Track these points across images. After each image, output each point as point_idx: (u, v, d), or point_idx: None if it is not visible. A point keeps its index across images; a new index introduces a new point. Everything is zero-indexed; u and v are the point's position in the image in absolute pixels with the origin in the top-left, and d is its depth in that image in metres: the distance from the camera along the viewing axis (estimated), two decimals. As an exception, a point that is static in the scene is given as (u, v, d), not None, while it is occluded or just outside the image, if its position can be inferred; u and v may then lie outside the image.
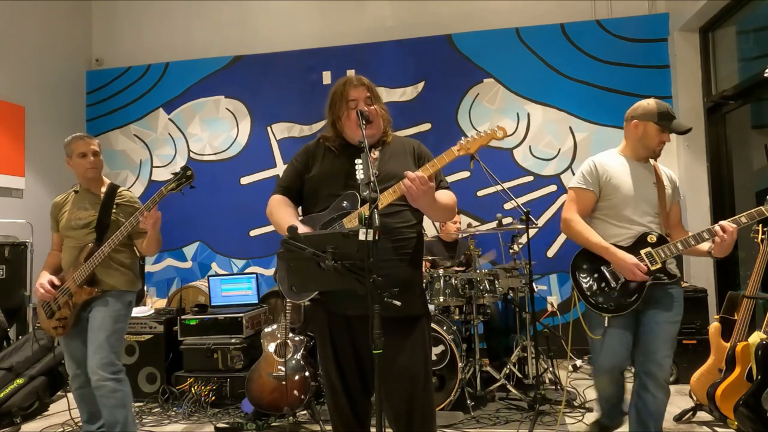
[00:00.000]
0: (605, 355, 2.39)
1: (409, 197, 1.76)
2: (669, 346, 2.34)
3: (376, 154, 1.94)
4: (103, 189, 2.74)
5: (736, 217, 2.23)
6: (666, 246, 2.30)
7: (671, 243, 2.30)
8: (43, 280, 2.67)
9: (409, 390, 1.85)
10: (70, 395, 3.97)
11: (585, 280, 2.40)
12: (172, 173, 2.49)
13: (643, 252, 2.31)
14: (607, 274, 2.37)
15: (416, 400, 1.86)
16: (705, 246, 2.31)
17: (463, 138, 1.88)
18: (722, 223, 2.20)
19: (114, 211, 2.69)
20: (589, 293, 2.39)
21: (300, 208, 2.07)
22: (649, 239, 2.33)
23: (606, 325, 2.34)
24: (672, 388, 3.66)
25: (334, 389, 1.94)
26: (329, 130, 2.03)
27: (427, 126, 5.12)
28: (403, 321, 1.83)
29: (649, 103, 2.42)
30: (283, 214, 1.95)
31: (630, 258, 2.27)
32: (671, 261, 2.38)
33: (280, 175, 2.12)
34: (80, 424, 3.32)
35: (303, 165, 2.02)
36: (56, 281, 2.66)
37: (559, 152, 4.94)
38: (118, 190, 2.75)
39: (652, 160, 2.48)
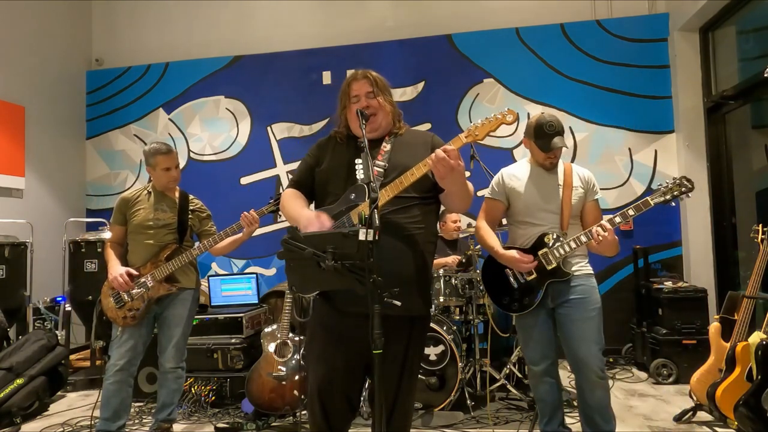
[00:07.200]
0: (525, 350, 2.54)
1: (439, 172, 1.67)
2: (591, 342, 2.31)
3: (387, 147, 1.93)
4: (177, 194, 3.00)
5: (624, 210, 2.24)
6: (559, 246, 2.36)
7: (564, 242, 2.35)
8: (121, 271, 2.78)
9: (395, 389, 1.82)
10: (71, 395, 4.01)
11: (493, 284, 2.52)
12: (271, 197, 2.97)
13: (540, 253, 2.38)
14: (510, 276, 2.46)
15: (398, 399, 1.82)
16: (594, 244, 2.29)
17: (471, 124, 1.79)
18: (603, 222, 2.25)
19: (190, 217, 2.98)
20: (498, 296, 2.50)
21: (313, 204, 2.07)
22: (546, 240, 2.40)
23: (514, 323, 2.49)
24: (672, 388, 3.73)
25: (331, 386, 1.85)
26: (340, 123, 2.04)
27: (427, 126, 5.11)
28: (400, 320, 1.78)
29: (531, 120, 2.47)
30: (294, 205, 1.94)
31: (510, 253, 2.39)
32: (575, 259, 2.40)
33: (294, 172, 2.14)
34: (81, 424, 3.34)
35: (314, 159, 2.03)
36: (134, 272, 2.80)
37: (559, 152, 4.93)
38: (189, 197, 3.04)
39: (563, 163, 2.51)
